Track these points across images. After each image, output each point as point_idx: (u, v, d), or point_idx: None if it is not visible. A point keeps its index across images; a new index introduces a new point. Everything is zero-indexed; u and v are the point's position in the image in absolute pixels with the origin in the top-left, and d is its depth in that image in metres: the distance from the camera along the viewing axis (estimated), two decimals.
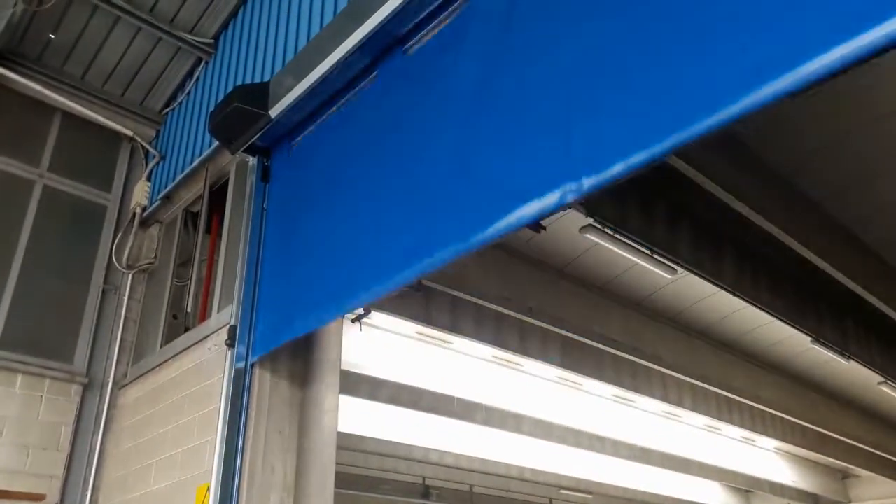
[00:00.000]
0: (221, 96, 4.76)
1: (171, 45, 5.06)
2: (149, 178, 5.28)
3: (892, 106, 6.02)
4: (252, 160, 3.97)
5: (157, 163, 5.28)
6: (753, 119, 4.22)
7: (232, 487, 3.14)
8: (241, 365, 3.41)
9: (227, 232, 4.37)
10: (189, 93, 5.24)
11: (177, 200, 5.06)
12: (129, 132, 5.29)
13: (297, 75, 3.50)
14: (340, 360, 3.60)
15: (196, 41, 5.02)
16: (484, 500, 17.29)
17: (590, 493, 18.01)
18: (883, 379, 10.48)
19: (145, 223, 5.21)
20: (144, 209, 5.16)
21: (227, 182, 4.60)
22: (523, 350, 8.81)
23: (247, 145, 3.86)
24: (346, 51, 3.21)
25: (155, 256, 5.10)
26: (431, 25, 3.09)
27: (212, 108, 4.84)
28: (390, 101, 3.16)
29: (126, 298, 5.03)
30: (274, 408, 3.37)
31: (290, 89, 3.54)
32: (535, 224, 4.65)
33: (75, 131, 5.27)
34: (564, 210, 2.79)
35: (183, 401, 3.98)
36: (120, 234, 5.12)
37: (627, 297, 9.08)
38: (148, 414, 4.35)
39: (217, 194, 4.70)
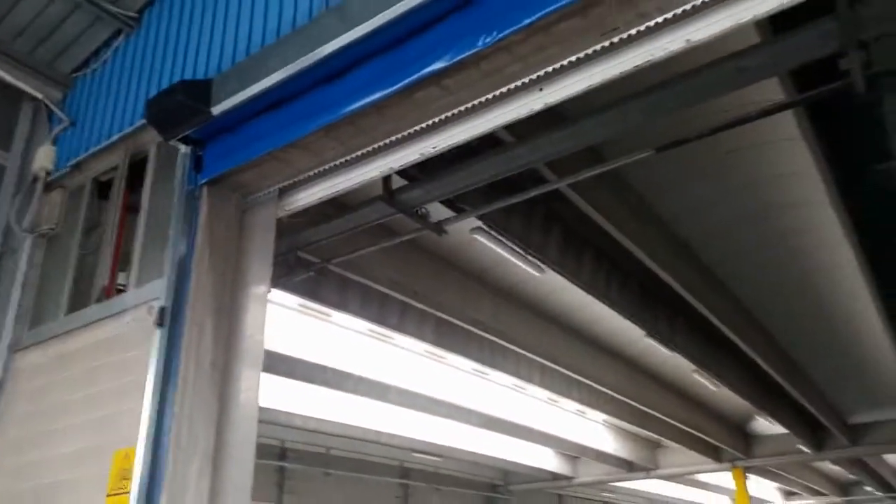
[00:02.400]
0: (143, 73, 4.84)
1: (91, 12, 5.01)
2: (54, 143, 5.22)
3: (732, 145, 7.19)
4: (185, 149, 4.18)
5: (65, 128, 5.23)
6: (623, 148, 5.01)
7: (159, 454, 3.46)
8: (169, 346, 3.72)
9: (147, 208, 4.53)
10: (105, 62, 5.21)
11: (86, 169, 5.06)
12: (37, 94, 5.18)
13: (244, 81, 3.77)
14: (263, 340, 3.98)
15: (118, 12, 5.01)
16: (339, 462, 17.98)
17: (441, 456, 19.21)
18: (696, 368, 12.28)
19: (48, 188, 5.16)
20: (48, 173, 5.12)
21: (144, 157, 4.73)
22: (402, 328, 9.46)
23: (182, 136, 4.07)
24: (300, 67, 3.56)
25: (57, 222, 5.08)
26: None
27: (132, 83, 4.93)
28: None
29: (23, 263, 5.01)
30: (200, 383, 3.71)
31: (234, 93, 3.80)
32: (438, 228, 5.21)
33: None
34: None
35: (97, 370, 4.16)
36: (20, 197, 5.06)
37: (499, 285, 9.95)
38: (52, 380, 4.45)
39: (131, 167, 4.81)
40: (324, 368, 11.15)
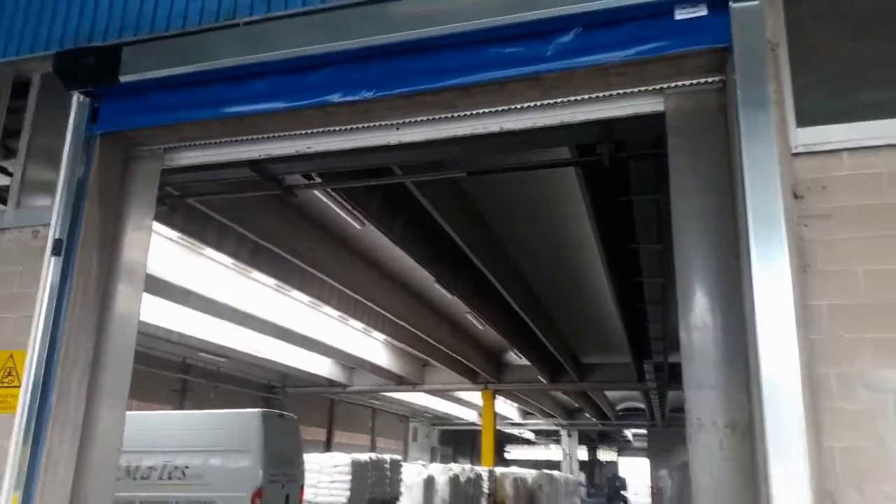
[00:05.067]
0: (44, 8, 5.12)
1: None
2: None
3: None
4: (83, 99, 4.75)
5: None
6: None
7: (52, 360, 4.30)
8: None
9: (28, 136, 5.02)
10: None
11: None
12: None
13: (156, 62, 4.47)
14: (144, 272, 4.85)
15: None
16: None
17: (225, 357, 20.10)
18: (469, 311, 14.59)
19: None
20: None
21: (24, 81, 5.13)
22: (219, 247, 10.21)
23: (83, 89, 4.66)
24: (213, 67, 4.37)
25: None
26: None
27: (30, 13, 5.18)
28: None
29: None
30: (85, 304, 4.53)
31: (144, 70, 4.48)
32: (290, 192, 6.23)
33: None
34: None
35: None
36: None
37: (318, 221, 11.04)
38: None
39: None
40: None
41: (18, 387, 4.32)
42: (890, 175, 3.46)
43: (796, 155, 3.58)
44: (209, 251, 11.59)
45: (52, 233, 4.54)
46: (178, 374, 21.23)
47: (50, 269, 4.46)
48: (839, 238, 3.41)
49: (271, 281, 13.52)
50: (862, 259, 3.35)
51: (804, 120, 3.62)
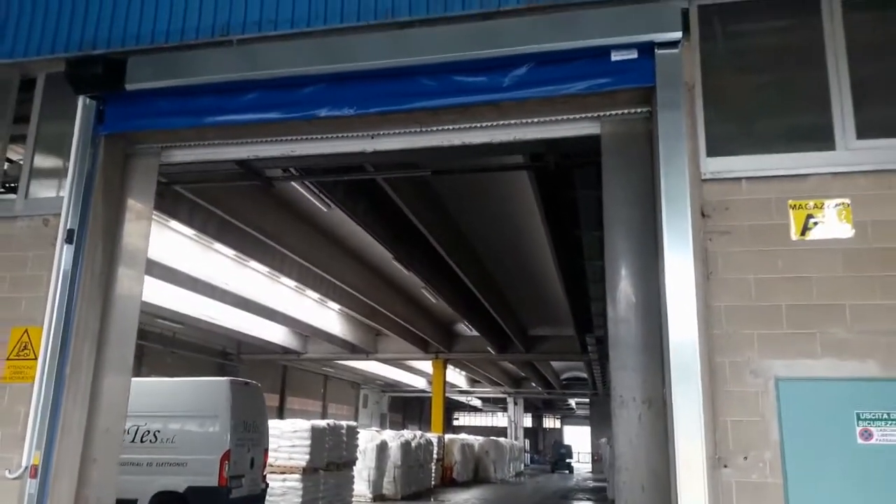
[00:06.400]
0: (55, 16, 5.52)
1: None
2: None
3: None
4: (89, 102, 5.24)
5: None
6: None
7: (66, 336, 4.88)
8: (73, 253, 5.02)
9: (35, 130, 5.49)
10: None
11: None
12: None
13: (159, 73, 4.99)
14: (145, 257, 5.43)
15: None
16: None
17: (182, 324, 20.42)
18: (424, 286, 15.36)
19: None
20: None
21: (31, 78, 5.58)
22: (189, 222, 10.65)
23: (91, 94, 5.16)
24: (211, 81, 4.93)
25: None
26: None
27: (39, 18, 5.56)
28: None
29: None
30: (93, 286, 5.09)
31: (148, 80, 5.00)
32: (269, 182, 6.81)
33: None
34: None
35: None
36: None
37: (285, 202, 11.55)
38: None
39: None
40: None
41: (34, 359, 4.89)
42: (777, 200, 4.28)
43: (706, 180, 4.37)
44: (173, 223, 11.96)
45: (64, 223, 5.07)
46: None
47: (63, 255, 5.01)
48: (736, 251, 4.21)
49: (230, 252, 13.95)
50: (753, 269, 4.15)
51: (713, 150, 4.41)
